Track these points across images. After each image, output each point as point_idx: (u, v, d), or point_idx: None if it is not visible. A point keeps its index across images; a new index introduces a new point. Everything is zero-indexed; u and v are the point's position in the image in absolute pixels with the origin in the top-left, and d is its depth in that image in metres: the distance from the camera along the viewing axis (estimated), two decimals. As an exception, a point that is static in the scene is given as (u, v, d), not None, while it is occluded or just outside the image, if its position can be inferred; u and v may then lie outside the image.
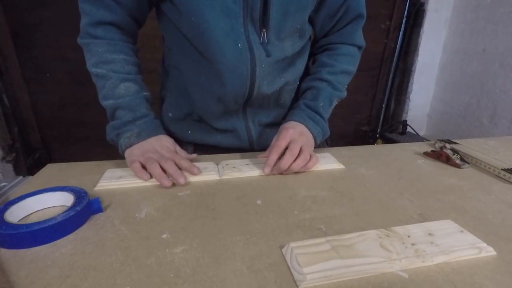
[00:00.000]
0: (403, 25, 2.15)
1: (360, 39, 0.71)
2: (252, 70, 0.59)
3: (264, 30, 0.58)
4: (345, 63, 0.69)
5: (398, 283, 0.32)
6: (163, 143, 0.58)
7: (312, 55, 0.74)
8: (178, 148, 0.61)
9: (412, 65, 2.21)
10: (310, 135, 0.63)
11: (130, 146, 0.57)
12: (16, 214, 0.41)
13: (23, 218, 0.43)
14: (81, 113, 1.92)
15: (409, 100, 2.30)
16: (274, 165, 0.56)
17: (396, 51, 2.21)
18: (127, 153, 0.57)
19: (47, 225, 0.37)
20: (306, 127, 0.63)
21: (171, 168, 0.53)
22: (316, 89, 0.67)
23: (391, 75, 2.27)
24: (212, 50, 0.58)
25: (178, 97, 0.69)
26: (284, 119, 0.72)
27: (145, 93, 0.62)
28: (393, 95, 2.32)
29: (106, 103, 0.59)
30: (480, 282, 0.32)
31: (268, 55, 0.59)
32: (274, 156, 0.56)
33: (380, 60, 2.23)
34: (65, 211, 0.40)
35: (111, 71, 0.59)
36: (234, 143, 0.69)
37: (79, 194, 0.44)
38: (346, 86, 0.70)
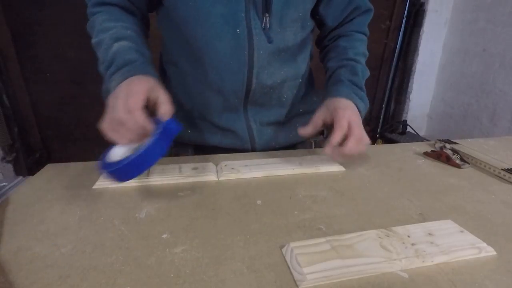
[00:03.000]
0: (403, 25, 2.15)
1: (367, 30, 0.72)
2: (250, 56, 0.59)
3: (267, 15, 0.58)
4: (362, 48, 0.70)
5: (398, 283, 0.32)
6: (127, 93, 0.46)
7: (324, 47, 0.74)
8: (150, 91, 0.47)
9: (412, 65, 2.21)
10: (358, 112, 0.59)
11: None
12: (114, 158, 0.45)
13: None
14: (81, 113, 1.92)
15: (409, 100, 2.30)
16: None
17: (396, 51, 2.21)
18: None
19: (142, 151, 0.40)
20: (355, 104, 0.60)
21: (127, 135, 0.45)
22: (350, 66, 0.66)
23: (391, 75, 2.27)
24: (209, 36, 0.57)
25: (178, 95, 0.68)
26: (286, 117, 0.71)
27: (143, 51, 0.55)
28: (393, 95, 2.32)
29: (101, 69, 0.54)
30: (480, 282, 0.32)
31: (270, 41, 0.59)
32: (338, 136, 0.53)
33: (380, 60, 2.23)
34: (150, 138, 0.43)
35: (107, 35, 0.55)
36: (235, 143, 0.69)
37: (157, 122, 0.46)
38: None
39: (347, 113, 0.56)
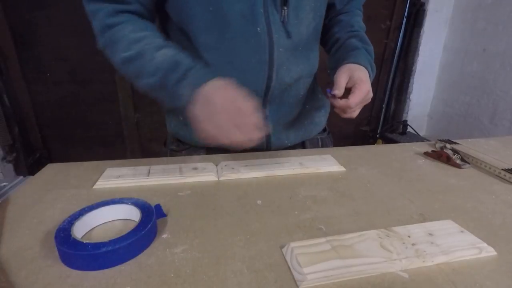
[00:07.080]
0: (403, 25, 2.15)
1: (362, 8, 0.77)
2: (270, 54, 0.58)
3: (285, 8, 0.57)
4: (362, 22, 0.73)
5: (398, 283, 0.32)
6: (226, 95, 0.48)
7: (325, 25, 0.73)
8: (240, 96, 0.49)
9: (412, 65, 2.21)
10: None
11: (192, 100, 0.48)
12: (80, 229, 0.38)
13: (86, 233, 0.39)
14: (81, 113, 1.92)
15: (410, 100, 2.30)
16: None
17: (397, 51, 2.20)
18: (194, 112, 0.48)
19: (117, 246, 0.33)
20: (368, 72, 0.62)
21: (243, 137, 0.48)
22: (360, 36, 0.68)
23: (391, 75, 2.27)
24: (229, 37, 0.56)
25: None
26: (297, 114, 0.70)
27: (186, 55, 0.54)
28: (393, 95, 2.32)
29: (149, 81, 0.52)
30: (480, 282, 0.32)
31: (288, 36, 0.59)
32: (358, 97, 0.56)
33: (380, 60, 2.23)
34: (134, 230, 0.36)
35: (145, 45, 0.52)
36: None
37: (144, 209, 0.40)
38: None
39: (365, 79, 0.59)
